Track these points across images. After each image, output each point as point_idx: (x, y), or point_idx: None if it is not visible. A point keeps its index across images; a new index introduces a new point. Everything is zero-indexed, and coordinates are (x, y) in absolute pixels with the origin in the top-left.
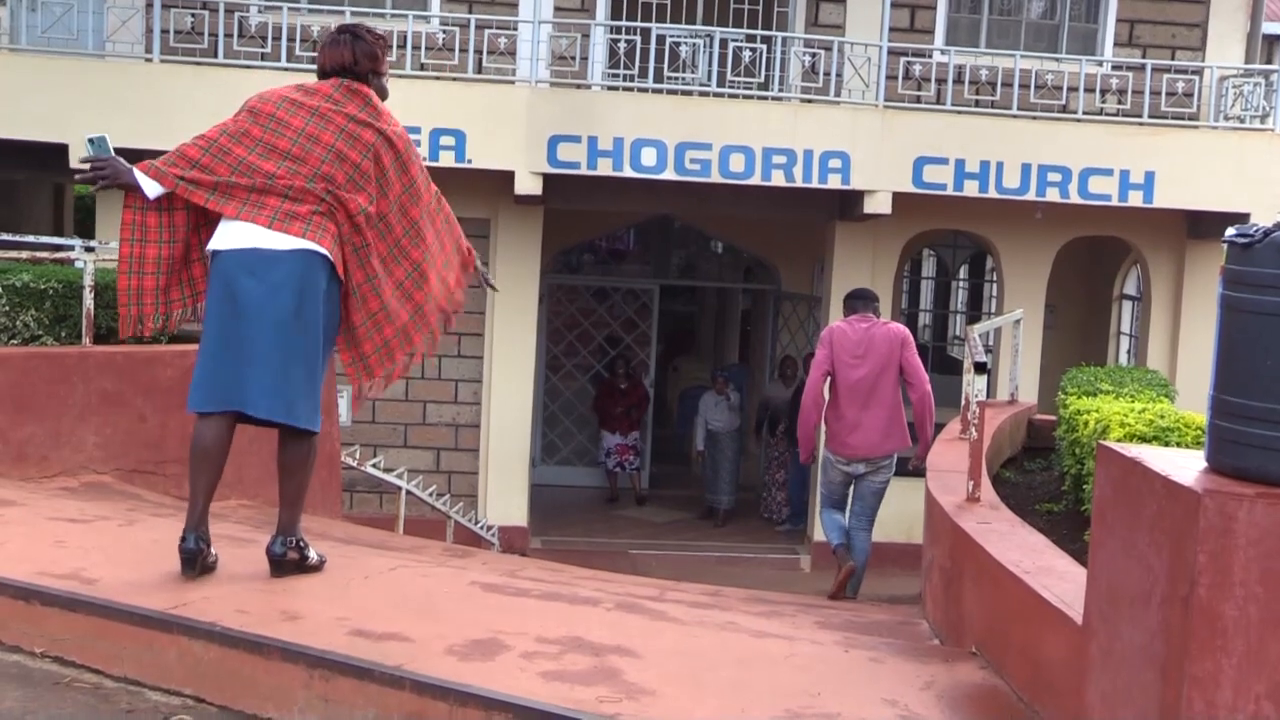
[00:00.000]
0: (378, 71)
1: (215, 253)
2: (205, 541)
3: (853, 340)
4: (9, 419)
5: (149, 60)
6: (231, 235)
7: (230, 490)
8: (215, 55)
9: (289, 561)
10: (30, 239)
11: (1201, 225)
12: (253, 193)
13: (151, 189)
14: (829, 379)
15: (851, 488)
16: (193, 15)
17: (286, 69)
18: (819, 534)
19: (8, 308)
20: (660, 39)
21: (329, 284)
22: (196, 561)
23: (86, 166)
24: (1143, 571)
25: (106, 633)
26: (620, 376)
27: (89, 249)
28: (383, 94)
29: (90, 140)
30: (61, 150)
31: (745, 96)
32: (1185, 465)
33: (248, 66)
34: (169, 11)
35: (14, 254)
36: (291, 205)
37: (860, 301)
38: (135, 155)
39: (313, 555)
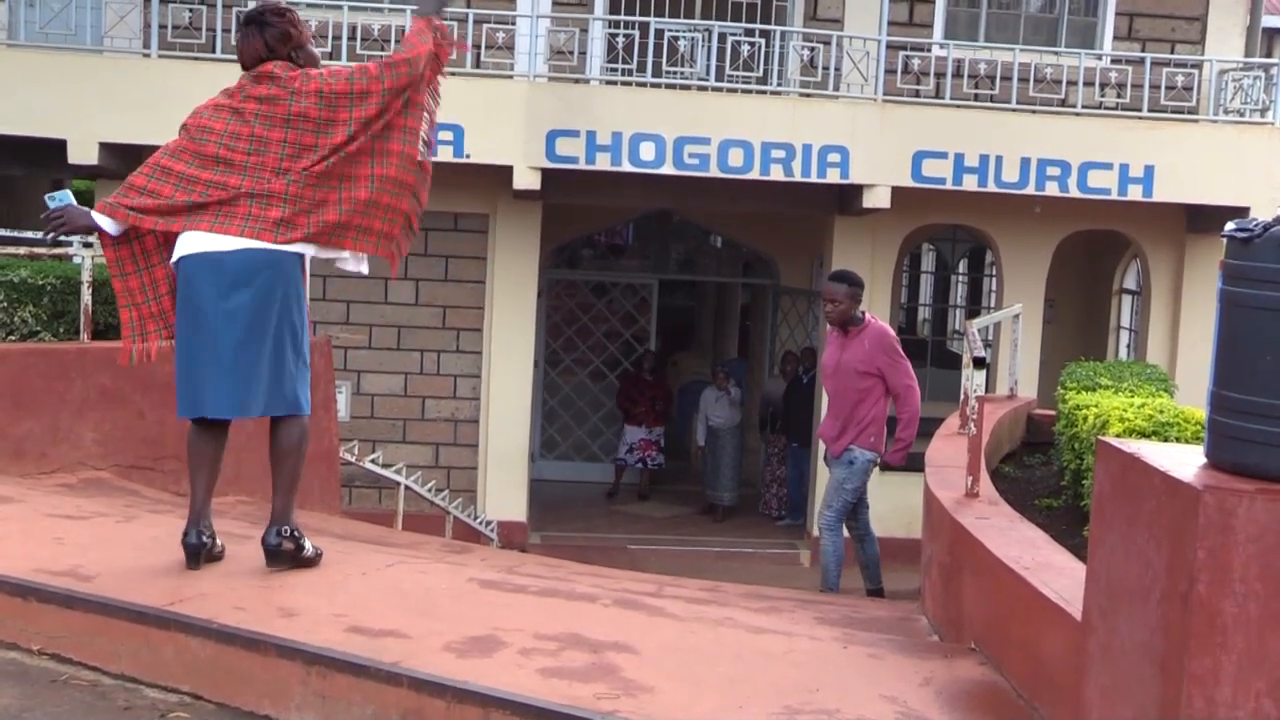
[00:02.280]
0: (299, 46)
1: (175, 264)
2: (209, 535)
3: None
4: (7, 415)
5: (147, 55)
6: (183, 245)
7: (229, 486)
8: (213, 50)
9: (284, 552)
10: (28, 235)
11: (1201, 219)
12: (193, 207)
13: (109, 225)
14: (881, 380)
15: None
16: (190, 10)
17: None
18: (818, 529)
19: (6, 304)
20: (659, 33)
21: (281, 270)
22: (199, 555)
23: (48, 223)
24: (1142, 567)
25: (104, 630)
26: (645, 369)
27: (87, 245)
28: (314, 63)
29: (50, 197)
30: (60, 146)
31: (744, 91)
32: (1185, 461)
33: None
34: (167, 6)
35: (12, 250)
36: (229, 208)
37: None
38: (134, 150)
39: (309, 547)
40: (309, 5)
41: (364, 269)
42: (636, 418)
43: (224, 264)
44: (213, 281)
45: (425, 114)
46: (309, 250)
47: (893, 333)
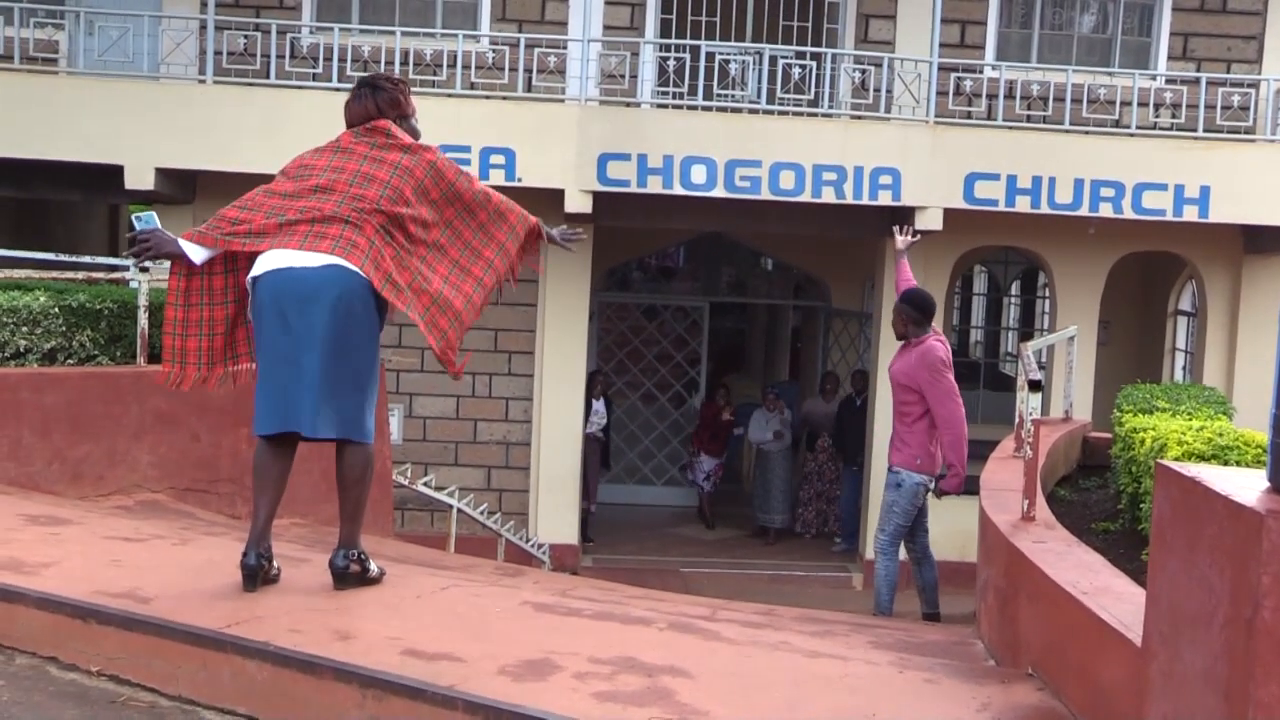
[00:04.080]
0: (403, 115)
1: (254, 280)
2: (267, 558)
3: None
4: (66, 438)
5: (202, 82)
6: (266, 261)
7: (283, 509)
8: (267, 76)
9: (351, 574)
10: (86, 260)
11: (1258, 240)
12: (284, 225)
13: (196, 253)
14: (922, 398)
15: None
16: (245, 37)
17: (337, 89)
18: (871, 552)
19: (65, 328)
20: (710, 56)
21: (363, 296)
22: (257, 577)
23: (134, 245)
24: (1204, 593)
25: (162, 651)
26: (721, 402)
27: (143, 269)
28: (414, 135)
29: (138, 218)
30: (117, 171)
31: (795, 113)
32: (1247, 485)
33: (299, 87)
34: (222, 33)
35: (71, 275)
36: (321, 228)
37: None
38: (188, 176)
39: (373, 568)
40: (362, 30)
41: None
42: (711, 446)
43: (310, 280)
44: (298, 296)
45: (500, 273)
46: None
47: (943, 351)
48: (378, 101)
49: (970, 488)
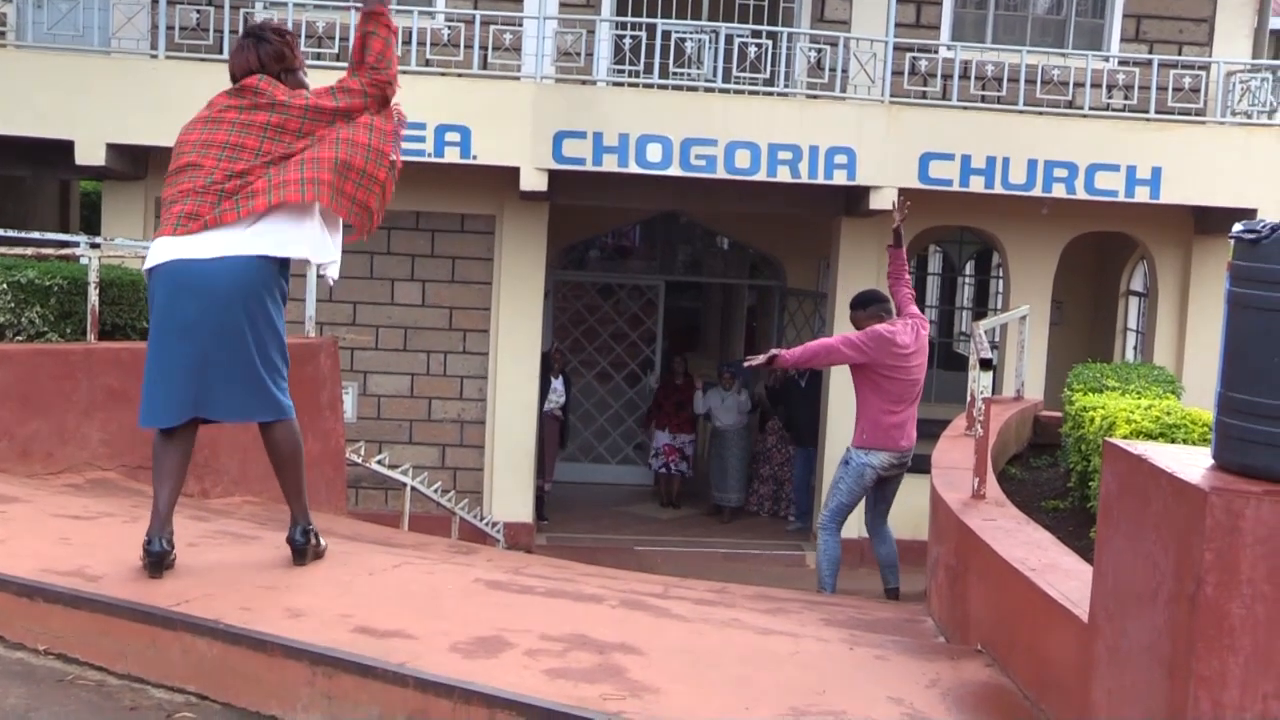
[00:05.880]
0: (289, 69)
1: (148, 272)
2: (170, 543)
3: (905, 339)
4: (14, 415)
5: (154, 56)
6: (154, 252)
7: (235, 487)
8: (220, 51)
9: (309, 548)
10: (36, 235)
11: (1209, 221)
12: (164, 207)
13: None
14: (870, 375)
15: (875, 488)
16: (198, 11)
17: None
18: None
19: (13, 304)
20: (666, 35)
21: (255, 276)
22: (163, 563)
23: None
24: (1149, 569)
25: (110, 630)
26: (678, 373)
27: (94, 246)
28: (301, 88)
29: None
30: (67, 147)
31: (751, 92)
32: (1192, 462)
33: None
34: (174, 8)
35: (20, 250)
36: (192, 206)
37: (886, 306)
38: (140, 151)
39: (321, 541)
40: (316, 6)
41: (332, 274)
42: (663, 421)
43: (196, 272)
44: (189, 289)
45: (396, 114)
46: (279, 253)
47: (883, 329)
48: (260, 54)
49: (922, 466)
